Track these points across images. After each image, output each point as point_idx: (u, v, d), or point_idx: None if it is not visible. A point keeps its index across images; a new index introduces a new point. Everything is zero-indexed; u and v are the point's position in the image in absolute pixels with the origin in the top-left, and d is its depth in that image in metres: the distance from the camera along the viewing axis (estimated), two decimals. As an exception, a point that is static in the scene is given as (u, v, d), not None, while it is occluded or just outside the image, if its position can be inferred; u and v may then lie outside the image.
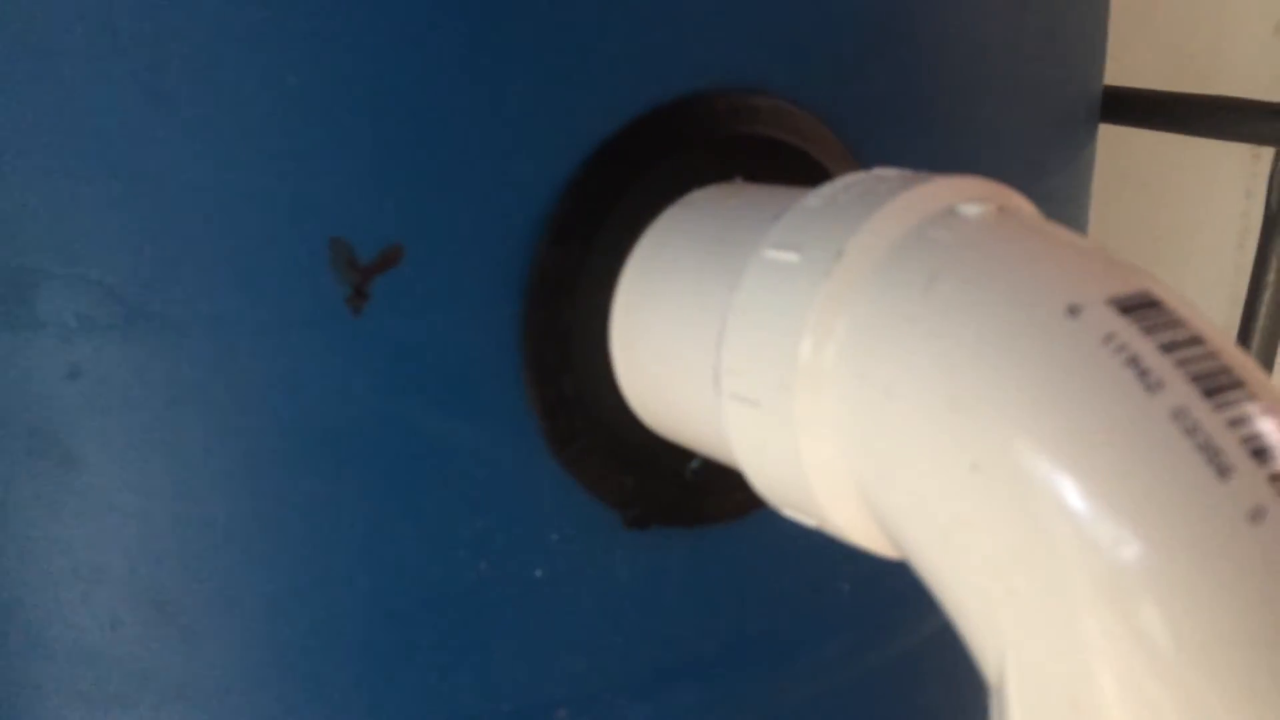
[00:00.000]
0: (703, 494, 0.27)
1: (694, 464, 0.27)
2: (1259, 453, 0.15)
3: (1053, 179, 0.35)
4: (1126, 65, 0.52)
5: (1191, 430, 0.15)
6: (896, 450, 0.18)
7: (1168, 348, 0.16)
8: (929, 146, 0.30)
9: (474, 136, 0.24)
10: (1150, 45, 0.56)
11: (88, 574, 0.24)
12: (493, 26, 0.24)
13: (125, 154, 0.22)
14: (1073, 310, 0.16)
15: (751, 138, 0.26)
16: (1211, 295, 0.61)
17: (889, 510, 0.18)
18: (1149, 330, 0.16)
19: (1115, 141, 0.51)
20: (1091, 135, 0.38)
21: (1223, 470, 0.15)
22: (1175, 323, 0.17)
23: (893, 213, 0.19)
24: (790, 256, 0.20)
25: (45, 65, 0.21)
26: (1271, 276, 0.52)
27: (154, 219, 0.22)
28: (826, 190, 0.21)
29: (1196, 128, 0.47)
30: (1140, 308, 0.17)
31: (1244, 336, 0.54)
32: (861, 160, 0.28)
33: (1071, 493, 0.15)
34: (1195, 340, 0.16)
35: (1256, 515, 0.15)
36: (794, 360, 0.19)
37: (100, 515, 0.23)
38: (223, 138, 0.22)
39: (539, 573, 0.26)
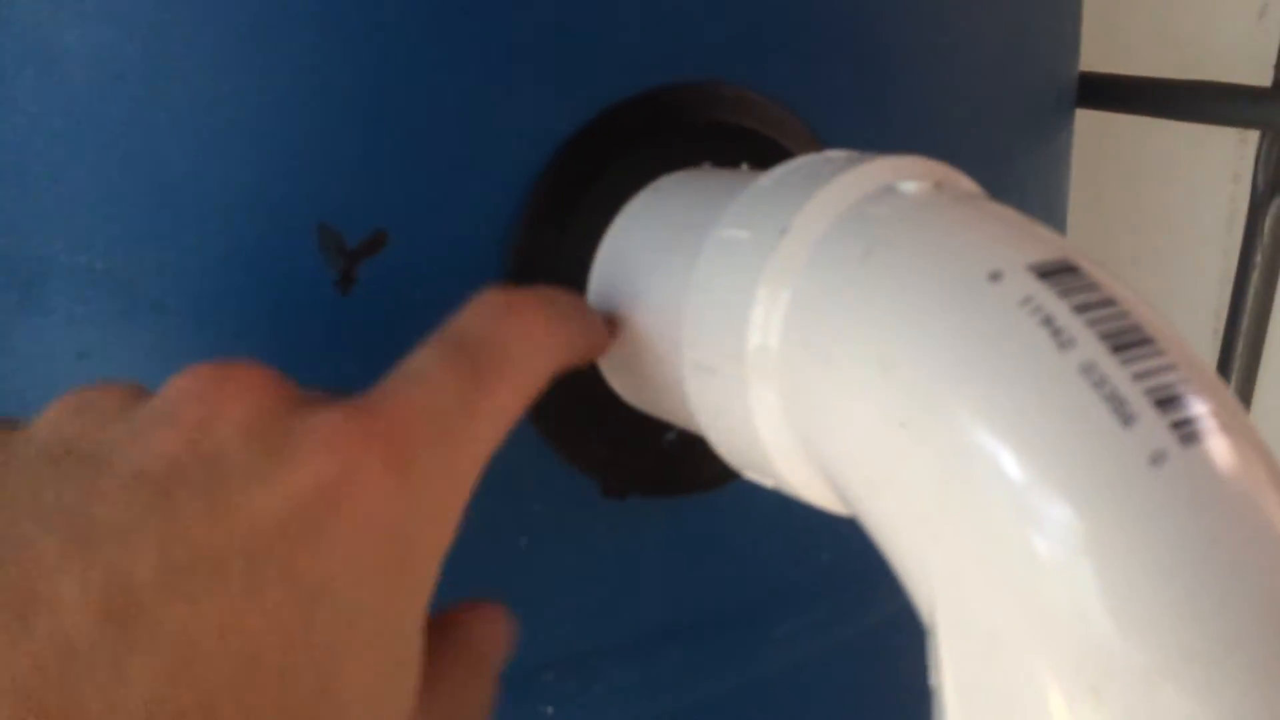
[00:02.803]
0: (679, 464, 0.29)
1: (670, 435, 0.28)
2: (1163, 402, 0.16)
3: (1022, 163, 0.36)
4: (1114, 51, 0.53)
5: (1099, 383, 0.16)
6: (835, 410, 0.19)
7: (1081, 308, 0.17)
8: (894, 132, 0.31)
9: (454, 127, 0.25)
10: (1136, 31, 0.57)
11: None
12: (471, 23, 0.25)
13: (126, 148, 0.23)
14: (994, 276, 0.18)
15: (719, 125, 0.27)
16: (1201, 277, 0.62)
17: (832, 466, 0.20)
18: (1064, 293, 0.17)
19: (1103, 127, 0.51)
20: (1065, 121, 0.39)
21: (1127, 419, 0.16)
22: (1090, 286, 0.18)
23: (835, 191, 0.20)
24: (742, 234, 0.21)
25: (52, 64, 0.23)
26: (1258, 258, 0.53)
27: (154, 210, 0.24)
28: (778, 171, 0.22)
29: (1181, 112, 0.48)
30: (1058, 273, 0.18)
31: (1234, 315, 0.55)
32: (832, 143, 0.30)
33: (990, 443, 0.17)
34: (1108, 302, 0.18)
35: (1157, 459, 0.16)
36: (744, 329, 0.20)
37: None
38: (218, 132, 0.24)
39: (524, 541, 0.28)
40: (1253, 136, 0.49)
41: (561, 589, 0.29)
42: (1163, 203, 0.61)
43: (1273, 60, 0.46)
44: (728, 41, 0.28)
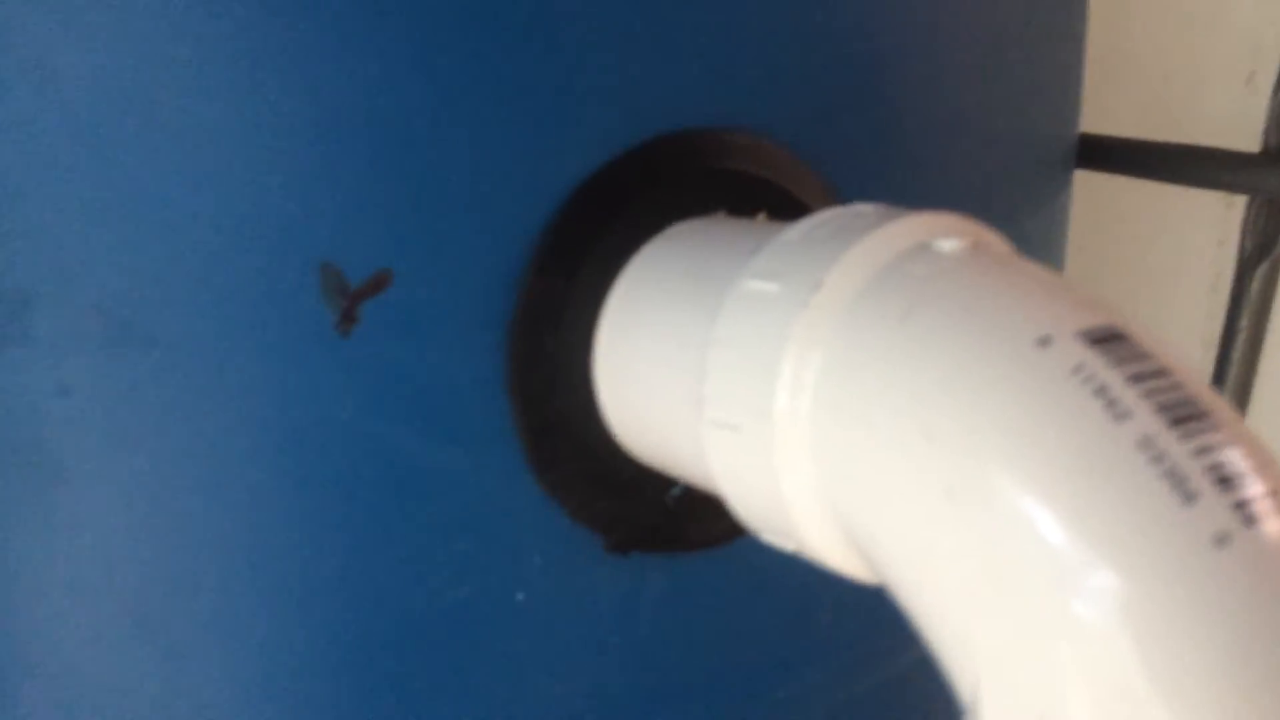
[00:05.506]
0: (684, 521, 0.28)
1: (675, 491, 0.27)
2: (1224, 480, 0.16)
3: (1026, 223, 0.36)
4: (1106, 113, 0.53)
5: (1158, 458, 0.16)
6: (872, 477, 0.18)
7: (1135, 379, 0.17)
8: (903, 187, 0.31)
9: (464, 167, 0.24)
10: (1128, 95, 0.58)
11: (72, 587, 0.24)
12: (484, 66, 0.24)
13: (118, 176, 0.22)
14: (1043, 342, 0.17)
15: (731, 173, 0.27)
16: (1185, 339, 0.63)
17: (865, 535, 0.19)
18: (1117, 362, 0.17)
19: (1093, 188, 0.52)
20: (1066, 182, 0.38)
21: (1188, 497, 0.15)
22: (1143, 355, 0.17)
23: (870, 247, 0.20)
24: (770, 287, 0.20)
25: (50, 84, 0.22)
26: (1244, 321, 0.53)
27: (145, 240, 0.23)
28: (806, 224, 0.21)
29: (1172, 175, 0.48)
30: (1109, 340, 0.17)
31: (1218, 378, 0.55)
32: (839, 197, 0.29)
33: (1042, 519, 0.16)
34: (1162, 372, 0.17)
35: (1221, 540, 0.15)
36: (773, 387, 0.19)
37: (86, 529, 0.23)
38: (219, 162, 0.23)
39: (521, 596, 0.27)
40: (1239, 201, 0.49)
41: (560, 646, 0.28)
42: (1148, 265, 0.62)
43: (1260, 127, 0.47)
44: (738, 90, 0.28)
